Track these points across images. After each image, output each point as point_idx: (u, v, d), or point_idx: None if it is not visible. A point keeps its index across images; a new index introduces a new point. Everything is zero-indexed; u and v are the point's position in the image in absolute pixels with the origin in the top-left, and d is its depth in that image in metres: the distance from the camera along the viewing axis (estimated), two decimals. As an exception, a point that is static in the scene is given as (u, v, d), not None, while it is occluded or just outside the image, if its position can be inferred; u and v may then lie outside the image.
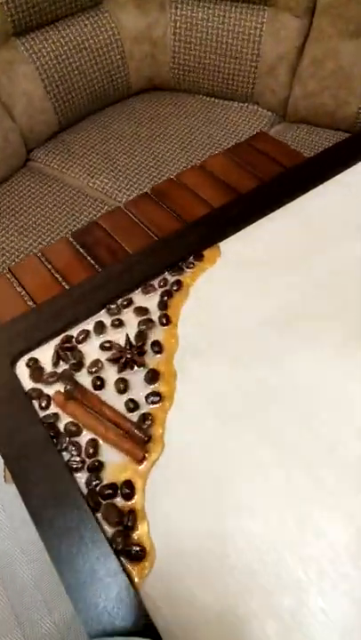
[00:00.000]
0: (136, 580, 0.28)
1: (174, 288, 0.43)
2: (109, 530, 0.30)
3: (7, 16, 1.05)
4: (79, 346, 0.39)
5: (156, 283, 0.43)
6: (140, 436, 0.34)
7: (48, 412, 0.35)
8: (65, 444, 0.33)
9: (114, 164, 1.15)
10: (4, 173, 1.12)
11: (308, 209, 0.47)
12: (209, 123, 1.24)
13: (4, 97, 1.10)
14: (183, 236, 0.45)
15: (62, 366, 0.38)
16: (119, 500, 0.31)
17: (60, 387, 0.36)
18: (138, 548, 0.29)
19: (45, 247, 0.80)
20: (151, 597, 0.28)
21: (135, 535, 0.30)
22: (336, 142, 0.50)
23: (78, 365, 0.37)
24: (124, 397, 0.36)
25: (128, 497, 0.31)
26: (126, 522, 0.30)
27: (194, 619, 0.27)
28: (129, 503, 0.31)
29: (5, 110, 1.11)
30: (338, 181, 0.49)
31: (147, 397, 0.36)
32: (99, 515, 0.31)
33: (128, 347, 0.38)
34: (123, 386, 0.36)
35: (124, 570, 0.28)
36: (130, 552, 0.29)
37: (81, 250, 0.67)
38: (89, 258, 0.65)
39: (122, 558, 0.29)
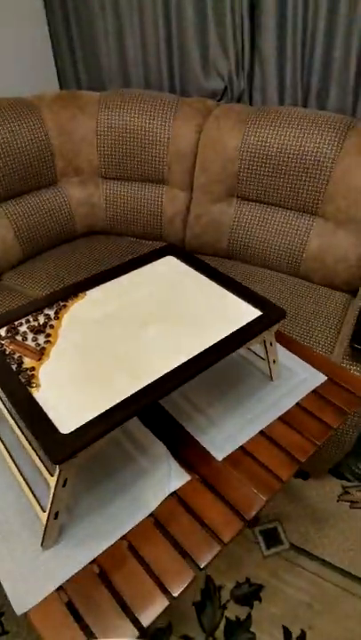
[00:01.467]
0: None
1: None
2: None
3: (-6, 191, 1.62)
4: (19, 328, 0.93)
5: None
6: (39, 352, 0.86)
7: (4, 348, 0.88)
8: (8, 359, 0.85)
9: (63, 283, 1.59)
10: (-17, 288, 1.58)
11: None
12: (132, 254, 1.70)
13: (-12, 240, 1.63)
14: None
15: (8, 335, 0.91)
16: (29, 373, 0.83)
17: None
18: (35, 382, 0.80)
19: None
20: (42, 399, 0.78)
21: (35, 379, 0.81)
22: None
23: (16, 333, 0.91)
24: (36, 342, 0.89)
25: (32, 370, 0.83)
26: (30, 376, 0.81)
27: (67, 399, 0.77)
28: (33, 372, 0.83)
29: (-12, 248, 1.63)
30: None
31: (45, 342, 0.89)
32: (20, 376, 0.82)
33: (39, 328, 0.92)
34: (35, 338, 0.89)
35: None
36: (29, 382, 0.80)
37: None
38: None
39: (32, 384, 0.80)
